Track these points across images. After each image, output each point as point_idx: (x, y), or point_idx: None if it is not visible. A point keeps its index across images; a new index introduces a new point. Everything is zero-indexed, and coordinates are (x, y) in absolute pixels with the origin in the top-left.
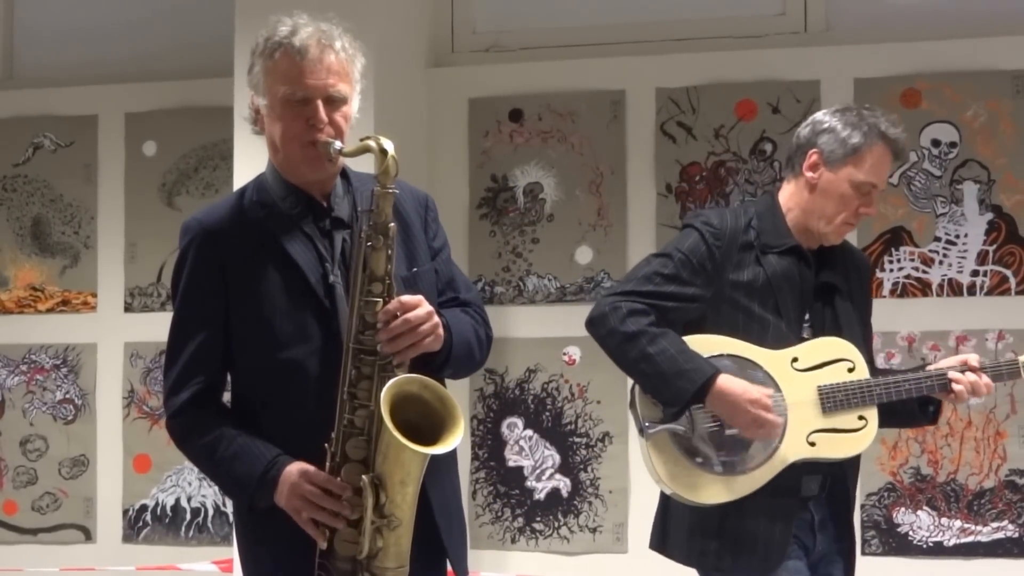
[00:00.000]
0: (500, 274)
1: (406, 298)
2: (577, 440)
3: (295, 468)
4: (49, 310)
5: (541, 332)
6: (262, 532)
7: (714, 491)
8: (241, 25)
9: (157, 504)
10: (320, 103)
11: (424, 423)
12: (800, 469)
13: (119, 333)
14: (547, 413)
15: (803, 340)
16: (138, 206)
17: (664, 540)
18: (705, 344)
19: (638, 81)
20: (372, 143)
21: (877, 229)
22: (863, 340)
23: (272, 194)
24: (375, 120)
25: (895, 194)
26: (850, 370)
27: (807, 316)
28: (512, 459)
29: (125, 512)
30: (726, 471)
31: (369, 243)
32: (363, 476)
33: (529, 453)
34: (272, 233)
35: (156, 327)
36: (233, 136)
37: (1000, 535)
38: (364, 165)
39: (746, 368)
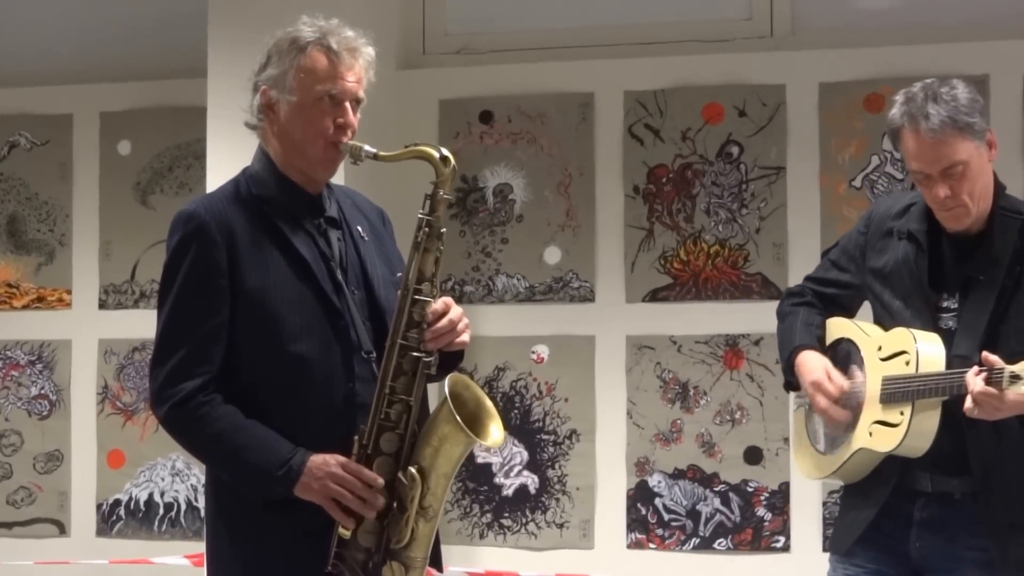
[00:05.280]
0: (470, 273)
1: (441, 300)
2: (545, 437)
3: (329, 456)
4: (24, 307)
5: (510, 331)
6: (258, 532)
7: (807, 466)
8: (214, 26)
9: (131, 499)
10: (348, 105)
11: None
12: (898, 460)
13: (93, 330)
14: (515, 411)
15: (940, 330)
16: (113, 204)
17: None
18: (835, 328)
19: (606, 84)
20: (432, 151)
21: (841, 231)
22: (1009, 336)
23: (269, 188)
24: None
25: (858, 197)
26: (907, 364)
27: (945, 305)
28: (480, 455)
29: (99, 506)
30: (822, 449)
31: (424, 245)
32: (410, 467)
33: (497, 450)
34: (276, 226)
35: (130, 324)
36: (206, 136)
37: None
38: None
39: (852, 354)
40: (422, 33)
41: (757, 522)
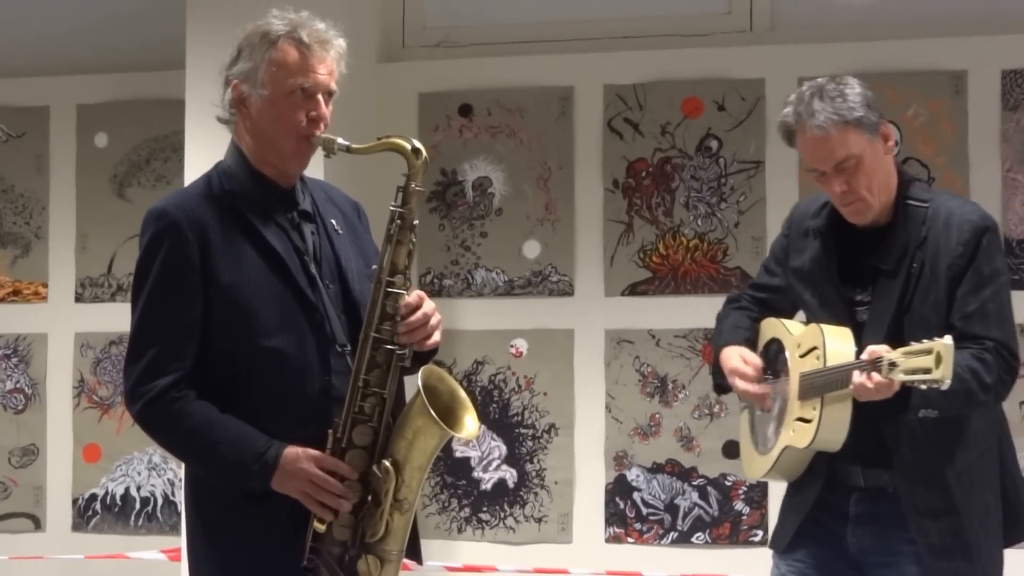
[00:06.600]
0: (449, 267)
1: (415, 294)
2: (523, 431)
3: (301, 452)
4: (0, 300)
5: (489, 325)
6: (235, 527)
7: (750, 467)
8: (193, 18)
9: (107, 493)
10: (321, 98)
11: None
12: (827, 456)
13: (69, 323)
14: (494, 405)
15: (856, 323)
16: (89, 197)
17: None
18: (766, 329)
19: (586, 78)
20: (404, 143)
21: None
22: (913, 324)
23: (241, 183)
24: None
25: None
26: (818, 359)
27: (860, 299)
28: (459, 450)
29: (75, 501)
30: (760, 449)
31: (397, 237)
32: (384, 461)
33: (476, 444)
34: (249, 221)
35: (107, 318)
36: (184, 128)
37: None
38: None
39: (779, 354)
40: (401, 26)
41: (735, 516)
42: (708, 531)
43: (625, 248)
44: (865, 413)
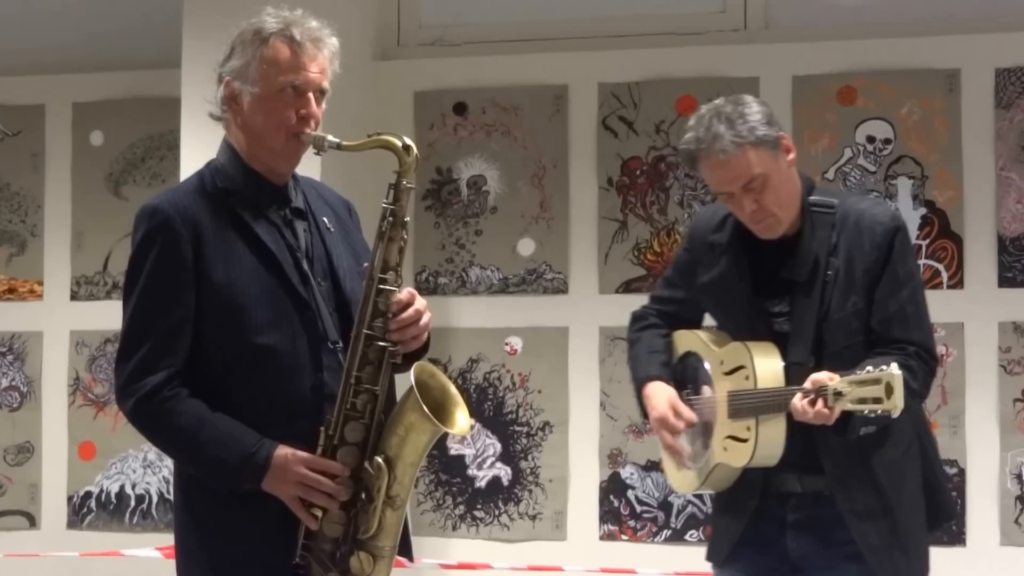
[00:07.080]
0: (443, 265)
1: (406, 291)
2: (518, 429)
3: (291, 453)
4: None
5: (483, 323)
6: (225, 525)
7: (676, 480)
8: (189, 16)
9: (102, 491)
10: (312, 96)
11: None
12: (761, 468)
13: (65, 321)
14: (489, 402)
15: (776, 334)
16: (85, 195)
17: None
18: (681, 341)
19: (581, 76)
20: (395, 140)
21: None
22: (834, 331)
23: (234, 181)
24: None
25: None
26: (747, 379)
27: (777, 310)
28: (454, 447)
29: (70, 499)
30: (688, 464)
31: (388, 234)
32: (376, 457)
33: (471, 442)
34: (241, 219)
35: (102, 316)
36: (180, 126)
37: None
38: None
39: (699, 369)
40: (397, 24)
41: None
42: (702, 528)
43: (619, 246)
44: (799, 424)
